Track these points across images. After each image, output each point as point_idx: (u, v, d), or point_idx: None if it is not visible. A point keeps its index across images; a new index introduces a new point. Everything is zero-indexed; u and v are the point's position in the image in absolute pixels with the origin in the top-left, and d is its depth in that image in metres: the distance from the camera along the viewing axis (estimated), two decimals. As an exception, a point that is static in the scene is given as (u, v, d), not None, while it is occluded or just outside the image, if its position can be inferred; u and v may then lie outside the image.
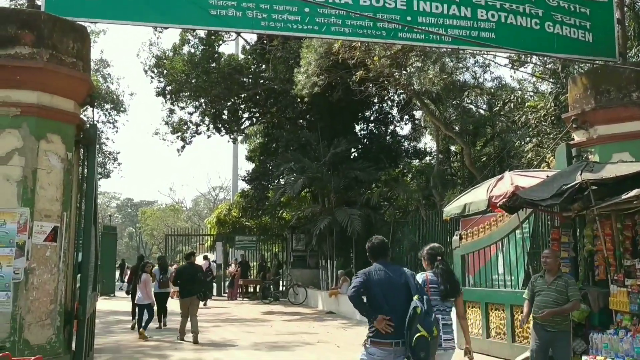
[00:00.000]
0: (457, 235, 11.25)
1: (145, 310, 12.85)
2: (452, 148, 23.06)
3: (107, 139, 41.08)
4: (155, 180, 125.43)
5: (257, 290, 23.99)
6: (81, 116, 7.60)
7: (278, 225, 27.37)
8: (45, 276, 6.64)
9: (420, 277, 5.69)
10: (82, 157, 7.61)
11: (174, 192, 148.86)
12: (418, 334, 4.84)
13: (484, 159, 19.64)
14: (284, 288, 24.96)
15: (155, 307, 13.30)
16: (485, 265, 10.74)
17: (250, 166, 27.45)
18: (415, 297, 4.96)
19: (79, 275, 7.34)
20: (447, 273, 5.79)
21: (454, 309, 6.00)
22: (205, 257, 24.19)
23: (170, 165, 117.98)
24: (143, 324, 12.57)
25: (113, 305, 19.54)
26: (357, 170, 20.77)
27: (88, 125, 7.63)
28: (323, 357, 10.26)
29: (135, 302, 13.30)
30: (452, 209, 9.94)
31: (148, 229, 75.13)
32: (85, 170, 7.60)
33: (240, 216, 27.06)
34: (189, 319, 11.76)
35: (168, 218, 66.71)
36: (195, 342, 11.49)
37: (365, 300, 5.16)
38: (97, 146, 8.98)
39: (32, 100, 6.73)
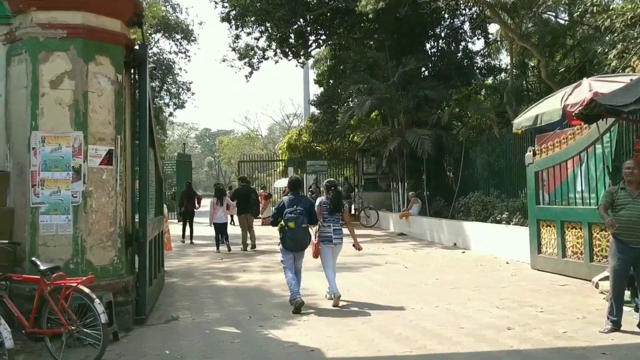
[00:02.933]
0: (530, 151, 10.59)
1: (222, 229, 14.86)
2: (528, 63, 21.72)
3: (180, 69, 41.53)
4: (230, 110, 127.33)
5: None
6: (130, 37, 7.42)
7: (348, 149, 27.15)
8: (103, 199, 6.66)
9: (318, 200, 8.45)
10: (134, 79, 7.50)
11: (249, 120, 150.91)
12: (287, 226, 7.83)
13: (563, 70, 18.35)
14: (356, 211, 24.95)
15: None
16: (562, 183, 10.11)
17: (319, 90, 27.10)
18: (295, 206, 7.90)
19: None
20: (335, 198, 8.31)
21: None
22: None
23: (244, 93, 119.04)
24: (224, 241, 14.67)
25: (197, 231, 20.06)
26: (427, 89, 20.00)
27: (137, 46, 7.45)
28: (390, 277, 10.12)
29: (215, 221, 14.86)
30: (522, 120, 9.27)
31: (226, 157, 77.05)
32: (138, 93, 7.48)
33: (311, 141, 26.97)
34: (247, 232, 14.64)
35: (244, 146, 68.02)
36: (253, 247, 14.41)
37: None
38: (162, 71, 8.96)
39: (78, 21, 6.57)
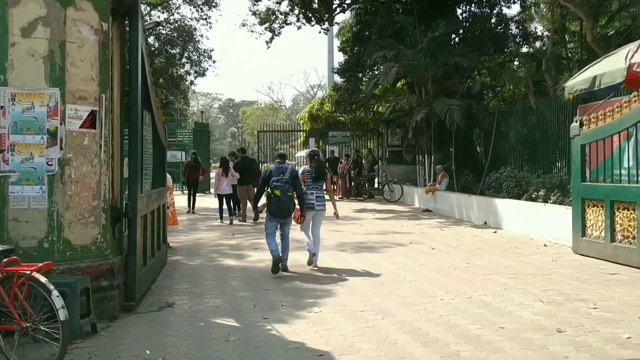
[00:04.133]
0: (576, 121, 9.39)
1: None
2: (569, 27, 20.18)
3: (202, 36, 40.46)
4: (254, 80, 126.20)
5: (351, 187, 22.85)
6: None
7: (373, 120, 25.99)
8: (84, 168, 5.74)
9: (301, 169, 8.87)
10: (125, 31, 6.51)
11: (273, 91, 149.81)
12: (273, 194, 8.08)
13: (611, 32, 16.83)
14: (379, 185, 23.89)
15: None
16: (607, 158, 8.96)
17: (343, 58, 25.79)
18: (281, 175, 8.17)
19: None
20: (318, 166, 8.72)
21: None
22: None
23: (268, 63, 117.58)
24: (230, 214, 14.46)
25: (205, 202, 19.29)
26: (458, 56, 18.67)
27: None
28: (415, 260, 9.13)
29: (220, 192, 14.72)
30: (576, 83, 8.07)
31: (249, 128, 76.23)
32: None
33: (334, 111, 25.86)
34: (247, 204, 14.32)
35: (267, 117, 67.24)
36: (256, 220, 13.82)
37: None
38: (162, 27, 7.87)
39: (54, -42, 5.59)
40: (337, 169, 22.64)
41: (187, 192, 18.10)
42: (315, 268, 8.40)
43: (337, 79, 26.27)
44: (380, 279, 7.73)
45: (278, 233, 8.45)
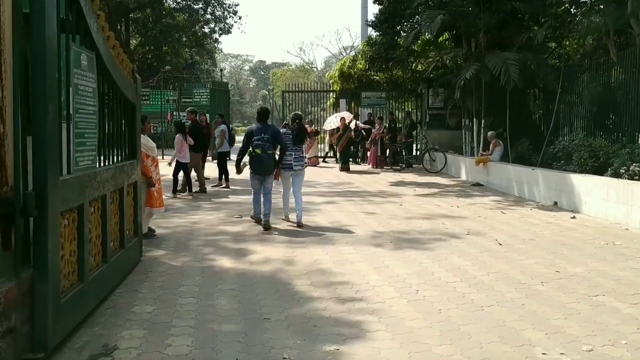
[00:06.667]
0: None
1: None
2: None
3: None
4: (285, 41, 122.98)
5: (387, 155, 20.16)
6: None
7: (411, 79, 23.14)
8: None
9: (283, 130, 9.29)
10: None
11: (304, 52, 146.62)
12: (254, 152, 8.44)
13: None
14: (418, 153, 21.22)
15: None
16: None
17: (378, 9, 22.81)
18: (262, 135, 8.52)
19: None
20: (299, 129, 9.18)
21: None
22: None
23: (299, 22, 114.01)
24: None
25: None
26: (516, 0, 15.72)
27: None
28: (477, 262, 6.63)
29: (182, 160, 12.63)
30: None
31: (279, 90, 73.76)
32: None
33: (367, 68, 23.10)
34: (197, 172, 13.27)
35: (298, 79, 64.67)
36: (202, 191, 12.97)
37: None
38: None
39: None
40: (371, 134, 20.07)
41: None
42: (301, 228, 8.70)
43: (372, 32, 23.38)
44: (435, 299, 5.22)
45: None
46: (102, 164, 5.30)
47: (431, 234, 8.17)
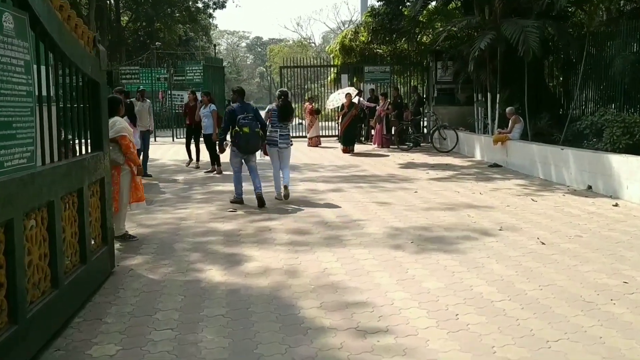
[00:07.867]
0: None
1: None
2: None
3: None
4: (282, 16, 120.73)
5: (391, 134, 18.81)
6: None
7: (417, 52, 21.75)
8: None
9: (268, 107, 9.53)
10: None
11: (301, 27, 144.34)
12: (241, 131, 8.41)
13: None
14: (425, 130, 19.94)
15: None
16: None
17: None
18: (245, 113, 8.51)
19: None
20: (284, 106, 9.13)
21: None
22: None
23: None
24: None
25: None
26: (535, -39, 14.32)
27: None
28: (520, 271, 5.47)
29: None
30: None
31: (276, 67, 72.18)
32: None
33: (370, 41, 21.69)
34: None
35: (296, 55, 63.10)
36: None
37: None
38: None
39: None
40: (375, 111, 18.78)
41: (185, 139, 14.86)
42: (287, 198, 9.01)
43: (374, 1, 21.95)
44: (483, 329, 4.02)
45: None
46: (45, 162, 4.07)
47: (458, 231, 6.95)
